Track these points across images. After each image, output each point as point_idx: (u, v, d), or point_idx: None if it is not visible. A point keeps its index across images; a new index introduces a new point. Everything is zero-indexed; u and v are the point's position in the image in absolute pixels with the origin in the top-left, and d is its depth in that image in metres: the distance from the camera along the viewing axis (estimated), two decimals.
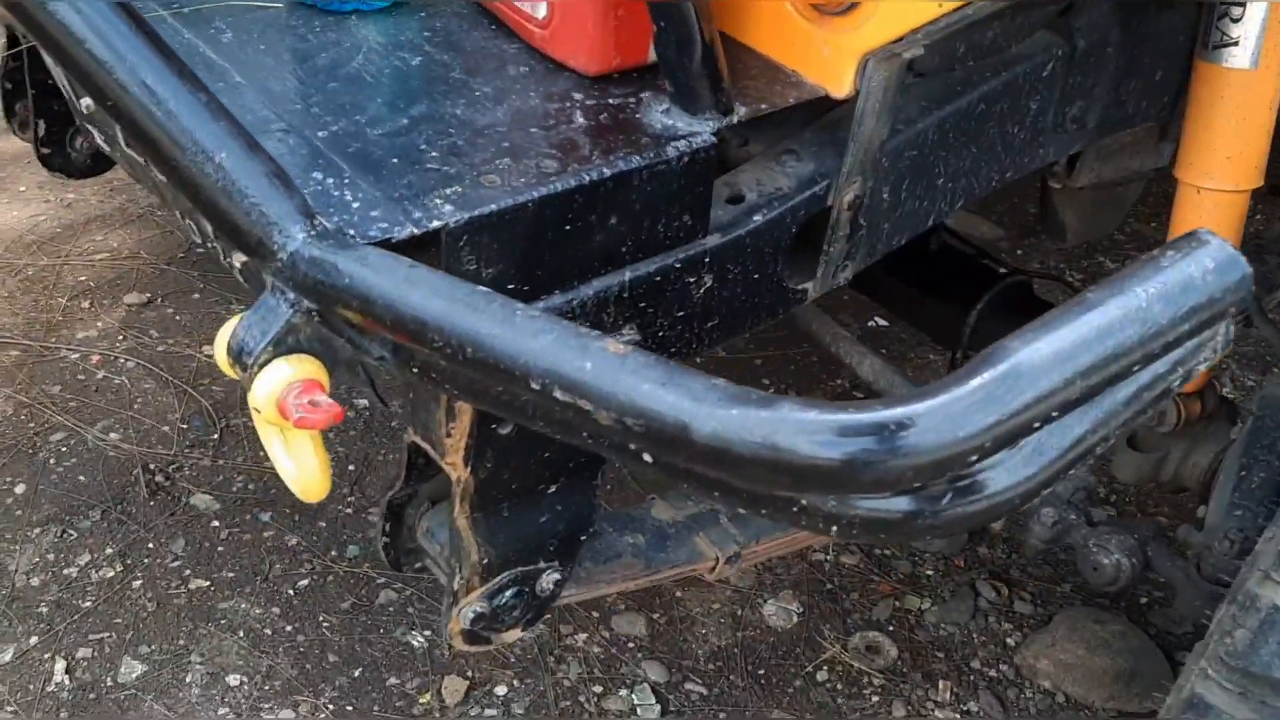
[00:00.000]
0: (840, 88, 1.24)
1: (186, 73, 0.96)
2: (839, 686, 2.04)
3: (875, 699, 2.03)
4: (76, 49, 0.94)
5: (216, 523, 2.25)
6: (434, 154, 1.12)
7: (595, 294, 1.16)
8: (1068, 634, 2.12)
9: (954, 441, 0.79)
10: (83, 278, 2.86)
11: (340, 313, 0.98)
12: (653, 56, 1.25)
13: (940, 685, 2.07)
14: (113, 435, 2.42)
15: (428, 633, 2.08)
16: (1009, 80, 1.40)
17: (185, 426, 2.46)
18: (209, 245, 1.23)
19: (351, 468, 2.40)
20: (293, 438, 1.04)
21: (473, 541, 1.22)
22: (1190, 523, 1.56)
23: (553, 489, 1.26)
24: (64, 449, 2.39)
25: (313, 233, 0.97)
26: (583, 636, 2.10)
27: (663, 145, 1.15)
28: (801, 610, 2.17)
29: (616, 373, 0.83)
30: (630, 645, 2.08)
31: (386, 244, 1.01)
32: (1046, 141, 1.51)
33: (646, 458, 0.85)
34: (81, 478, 2.33)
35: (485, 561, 1.23)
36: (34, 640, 2.01)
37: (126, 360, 2.62)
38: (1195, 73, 1.44)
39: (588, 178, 1.10)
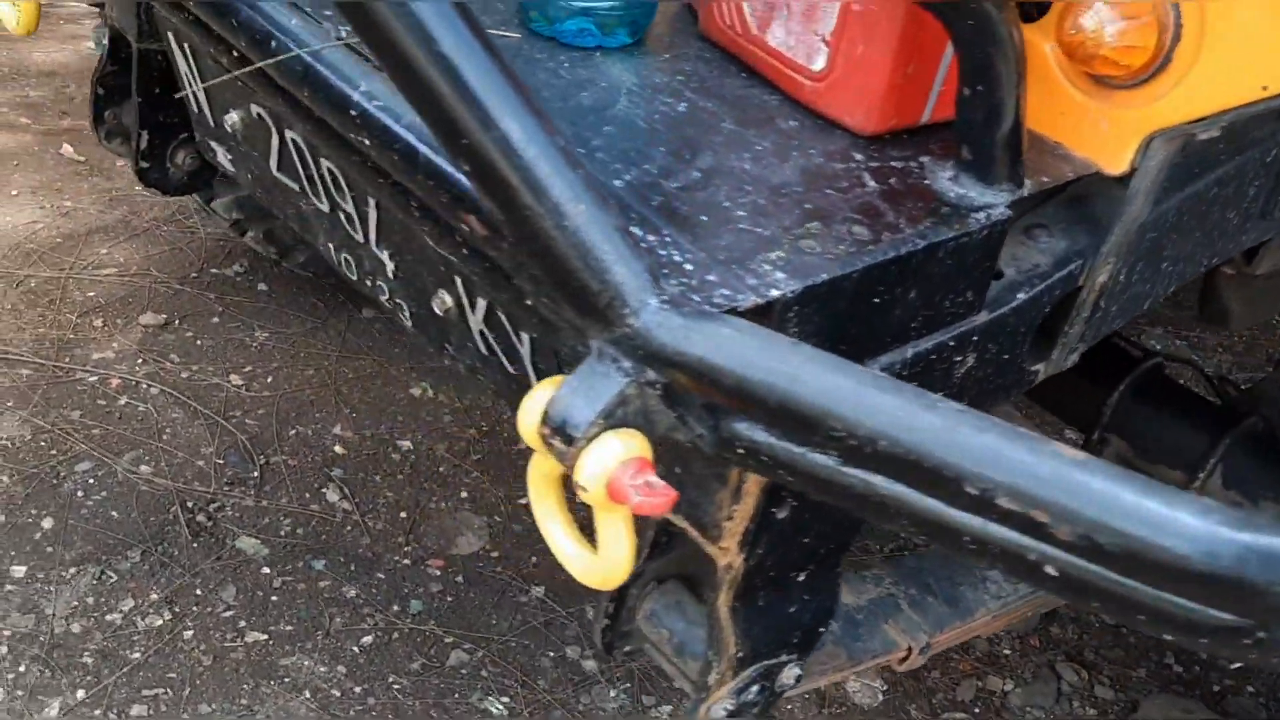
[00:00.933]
0: (1116, 165, 1.19)
1: (543, 113, 0.85)
2: None
3: None
4: (437, 79, 0.82)
5: (267, 569, 2.10)
6: (740, 213, 1.02)
7: (881, 369, 1.08)
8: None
9: None
10: (91, 293, 2.67)
11: (691, 387, 0.87)
12: (926, 118, 1.18)
13: None
14: (144, 468, 2.25)
15: (505, 699, 1.96)
16: (1241, 164, 1.36)
17: (221, 462, 2.29)
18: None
19: (404, 514, 2.26)
20: (607, 520, 0.94)
21: (731, 632, 1.12)
22: None
23: (803, 576, 1.17)
24: (92, 480, 2.21)
25: (664, 299, 0.87)
26: (666, 710, 2.00)
27: (964, 217, 1.08)
28: (886, 688, 2.10)
29: (1083, 480, 0.75)
30: None
31: (732, 313, 0.92)
32: (1250, 228, 1.47)
33: (1100, 578, 0.76)
34: (114, 513, 2.15)
35: (740, 654, 1.14)
36: (81, 694, 1.84)
37: (149, 386, 2.44)
38: None
39: (904, 249, 1.02)
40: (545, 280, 0.88)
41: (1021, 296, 1.18)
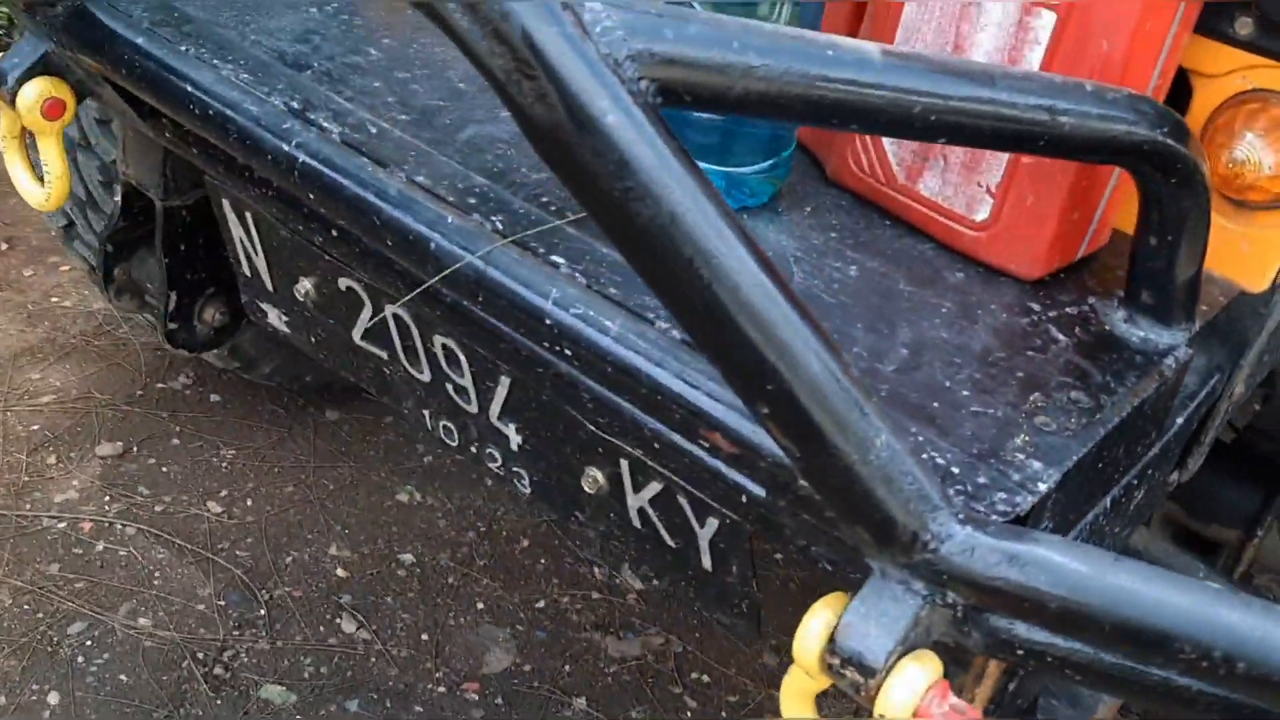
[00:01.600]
0: (1259, 284, 1.21)
1: (833, 341, 0.81)
2: None
3: None
4: (743, 327, 0.77)
5: (300, 718, 1.98)
6: (965, 392, 1.00)
7: (1087, 524, 1.07)
8: None
9: None
10: (35, 426, 2.49)
11: (1000, 609, 0.84)
12: (1080, 254, 1.17)
13: None
14: (142, 620, 2.10)
15: None
16: None
17: (223, 604, 2.16)
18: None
19: (425, 637, 2.17)
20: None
21: None
22: None
23: None
24: (89, 642, 2.05)
25: (962, 519, 0.84)
26: None
27: (1157, 364, 1.07)
28: None
29: None
30: None
31: (1019, 520, 0.89)
32: None
33: None
34: (123, 677, 2.00)
35: None
36: None
37: (124, 526, 2.29)
38: None
39: (1125, 412, 1.01)
40: (840, 509, 0.84)
41: (1180, 420, 1.19)
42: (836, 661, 0.86)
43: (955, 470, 0.91)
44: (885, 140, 1.18)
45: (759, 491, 0.96)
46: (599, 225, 0.77)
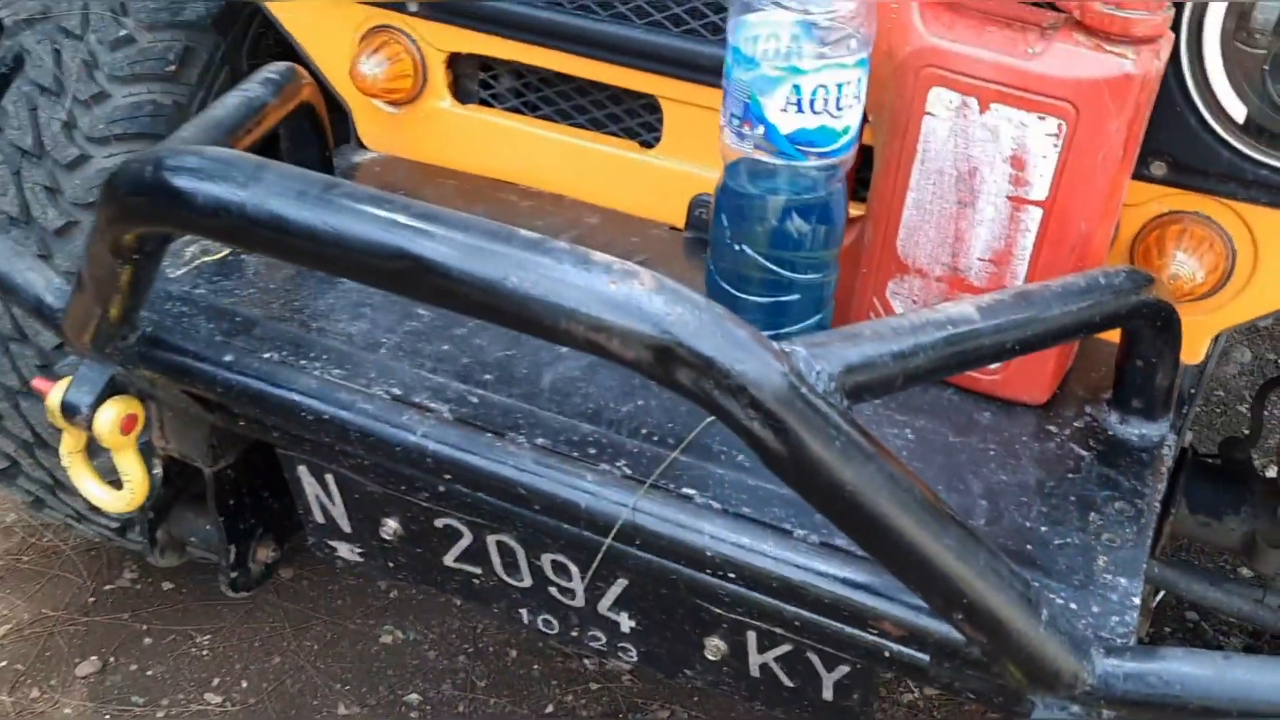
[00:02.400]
0: (1194, 358, 1.49)
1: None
2: None
3: None
4: (949, 568, 0.97)
5: None
6: (1043, 528, 1.23)
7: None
8: None
9: None
10: (2, 664, 2.47)
11: (1151, 716, 1.08)
12: (1065, 372, 1.43)
13: None
14: None
15: None
16: None
17: None
18: None
19: None
20: None
21: None
22: None
23: None
24: None
25: (1101, 650, 1.07)
26: None
27: (1157, 455, 1.34)
28: None
29: None
30: None
31: (1141, 641, 1.13)
32: None
33: None
34: None
35: None
36: None
37: None
38: None
39: (1153, 506, 1.27)
40: (1015, 670, 1.06)
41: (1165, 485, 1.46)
42: None
43: (1074, 605, 1.15)
44: (895, 302, 1.40)
45: (922, 657, 1.17)
46: (827, 514, 0.96)
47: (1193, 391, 1.53)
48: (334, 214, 0.92)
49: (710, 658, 1.40)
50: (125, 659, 2.49)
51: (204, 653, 2.52)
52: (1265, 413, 2.30)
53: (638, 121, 1.71)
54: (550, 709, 2.45)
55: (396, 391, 1.32)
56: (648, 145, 1.70)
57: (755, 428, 0.90)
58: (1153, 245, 1.42)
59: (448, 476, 1.27)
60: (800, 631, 1.25)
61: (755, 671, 1.40)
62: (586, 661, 2.56)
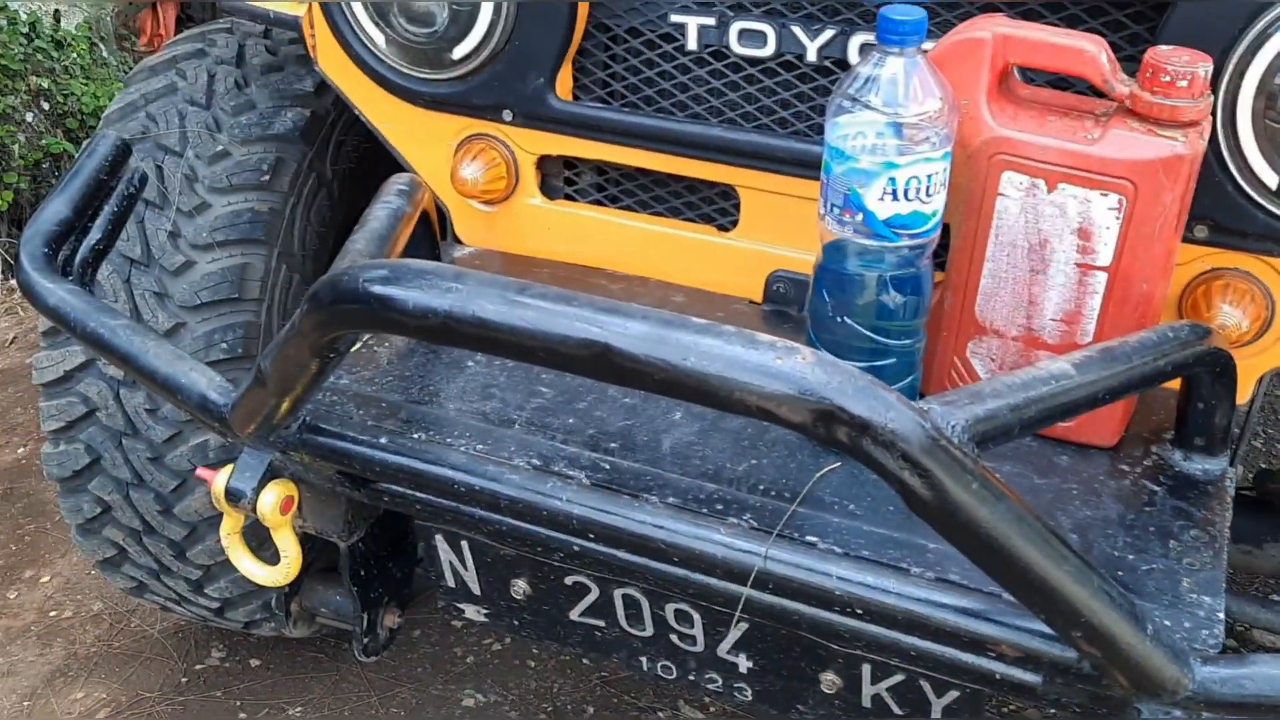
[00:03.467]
0: (1242, 398, 1.64)
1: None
2: None
3: None
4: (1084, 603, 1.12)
5: None
6: (1130, 556, 1.39)
7: None
8: None
9: None
10: None
11: (1244, 716, 1.22)
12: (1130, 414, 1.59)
13: None
14: None
15: None
16: None
17: None
18: None
19: None
20: None
21: None
22: None
23: None
24: None
25: (1200, 661, 1.22)
26: None
27: (1219, 485, 1.49)
28: None
29: None
30: None
31: (1227, 650, 1.28)
32: None
33: None
34: None
35: None
36: None
37: None
38: None
39: (1224, 530, 1.42)
40: (1125, 681, 1.20)
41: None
42: None
43: (1168, 622, 1.30)
44: (975, 361, 1.56)
45: (1032, 678, 1.32)
46: (963, 549, 1.11)
47: (1240, 429, 1.68)
48: (532, 311, 1.07)
49: (825, 691, 1.53)
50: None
51: None
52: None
53: (713, 208, 1.88)
54: None
55: (537, 462, 1.47)
56: (723, 229, 1.86)
57: (905, 476, 1.05)
58: (1200, 299, 1.59)
59: (591, 537, 1.41)
60: (915, 661, 1.39)
61: (867, 702, 1.54)
62: (660, 714, 2.69)
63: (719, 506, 1.41)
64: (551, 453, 1.49)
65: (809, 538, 1.38)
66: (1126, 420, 1.57)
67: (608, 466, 1.47)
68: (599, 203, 1.94)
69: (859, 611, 1.33)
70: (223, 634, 2.82)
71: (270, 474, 1.53)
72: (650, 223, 1.90)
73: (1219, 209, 1.52)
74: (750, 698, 1.63)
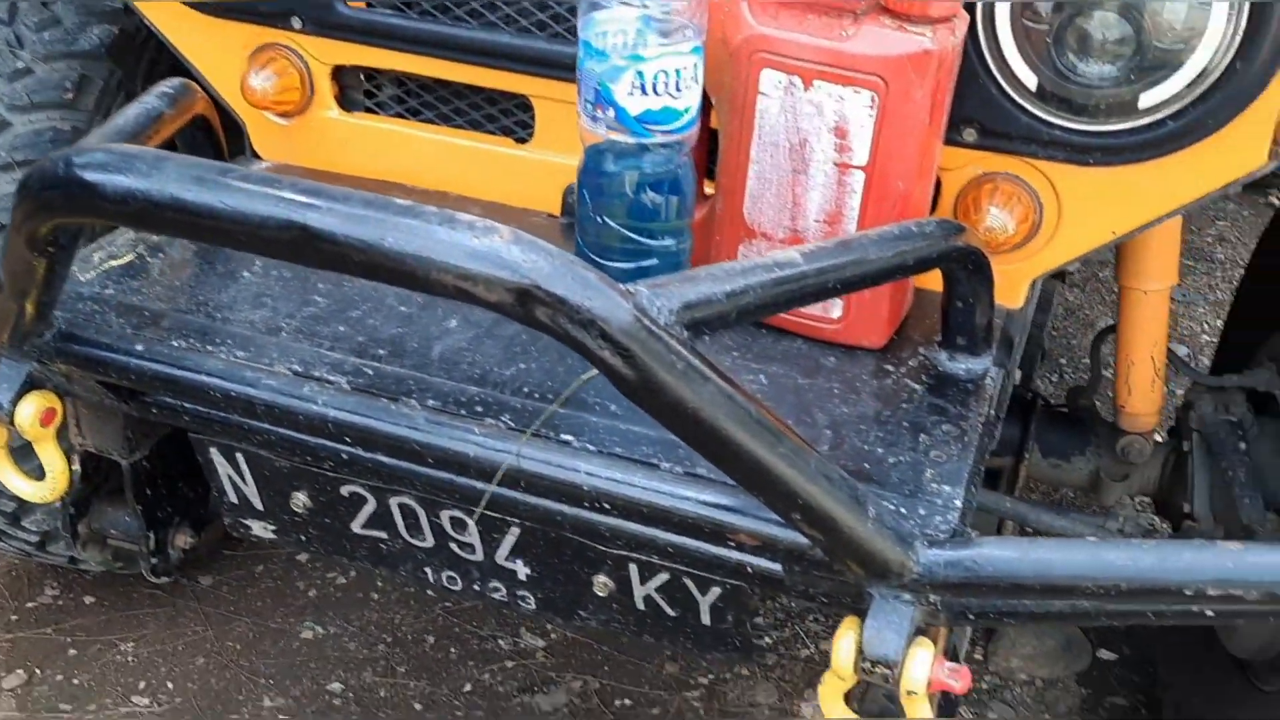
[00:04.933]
0: (1015, 302, 1.68)
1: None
2: None
3: None
4: (781, 473, 1.14)
5: None
6: (879, 450, 1.41)
7: (973, 503, 1.49)
8: (1016, 632, 2.68)
9: None
10: None
11: (965, 595, 1.25)
12: (902, 316, 1.61)
13: (962, 711, 2.55)
14: None
15: None
16: None
17: None
18: None
19: None
20: (919, 705, 1.29)
21: None
22: None
23: None
24: None
25: (925, 542, 1.24)
26: None
27: (982, 384, 1.52)
28: None
29: (1257, 560, 1.20)
30: None
31: (956, 531, 1.30)
32: None
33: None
34: None
35: None
36: None
37: None
38: None
39: (977, 427, 1.45)
40: (852, 564, 1.22)
41: (994, 413, 1.64)
42: (868, 664, 1.24)
43: (903, 510, 1.32)
44: None
45: (774, 567, 1.33)
46: (675, 431, 1.11)
47: (1018, 335, 1.71)
48: (229, 194, 1.05)
49: (599, 594, 1.54)
50: (51, 670, 2.56)
51: (129, 659, 2.60)
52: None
53: (513, 120, 1.86)
54: (468, 688, 2.58)
55: (297, 368, 1.45)
56: (522, 141, 1.85)
57: (607, 357, 1.05)
58: (970, 204, 1.61)
59: (348, 441, 1.40)
60: (673, 558, 1.41)
61: (641, 604, 1.55)
62: (501, 642, 2.69)
63: (479, 409, 1.41)
64: (315, 359, 1.47)
65: (564, 436, 1.38)
66: (895, 323, 1.59)
67: (371, 372, 1.46)
68: (400, 116, 1.91)
69: (607, 506, 1.34)
70: (58, 572, 2.77)
71: (29, 385, 1.49)
72: (451, 135, 1.88)
73: (983, 111, 1.54)
74: (534, 605, 1.63)
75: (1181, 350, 3.82)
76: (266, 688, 2.54)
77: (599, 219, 1.43)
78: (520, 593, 1.63)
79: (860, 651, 1.25)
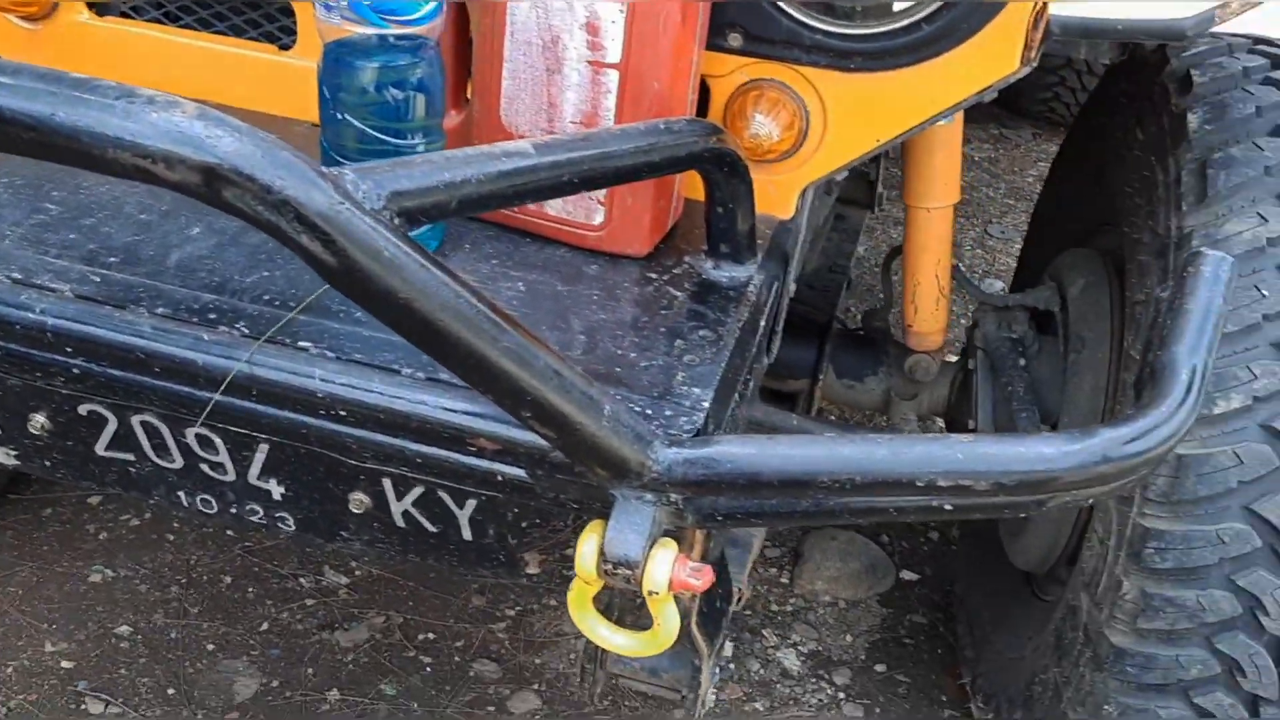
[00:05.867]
0: (786, 212, 1.67)
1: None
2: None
3: (731, 664, 2.49)
4: (507, 368, 1.10)
5: None
6: (633, 354, 1.38)
7: (731, 413, 1.48)
8: (821, 556, 2.72)
9: None
10: None
11: (705, 493, 1.24)
12: (670, 224, 1.59)
13: (765, 634, 2.57)
14: None
15: None
16: None
17: None
18: None
19: (171, 691, 2.33)
20: (662, 607, 1.28)
21: (703, 636, 1.50)
22: None
23: (718, 576, 1.57)
24: None
25: (665, 442, 1.22)
26: None
27: (744, 291, 1.51)
28: None
29: (984, 451, 1.21)
30: None
31: (699, 433, 1.28)
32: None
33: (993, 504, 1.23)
34: None
35: (709, 650, 1.53)
36: None
37: None
38: None
39: (735, 333, 1.44)
40: (588, 464, 1.20)
41: (763, 323, 1.63)
42: (610, 566, 1.22)
43: (649, 412, 1.29)
44: None
45: (519, 472, 1.30)
46: (390, 324, 1.06)
47: (791, 246, 1.70)
48: None
49: (357, 512, 1.49)
50: None
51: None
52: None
53: (277, 25, 1.77)
54: (265, 627, 2.51)
55: (16, 275, 1.36)
56: (286, 48, 1.76)
57: (304, 241, 0.99)
58: (737, 112, 1.59)
59: (71, 353, 1.32)
60: (423, 469, 1.36)
61: (400, 521, 1.50)
62: (303, 580, 2.62)
63: (212, 316, 1.34)
64: (38, 266, 1.38)
65: (302, 343, 1.32)
66: (660, 231, 1.56)
67: (98, 279, 1.37)
68: (157, 21, 1.81)
69: (344, 414, 1.29)
70: None
71: None
72: (211, 42, 1.78)
73: (746, 15, 1.51)
74: (294, 526, 1.57)
75: (996, 285, 3.91)
76: (49, 633, 2.43)
77: (339, 117, 1.37)
78: (278, 514, 1.56)
79: (602, 553, 1.23)
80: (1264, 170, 1.69)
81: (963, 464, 1.21)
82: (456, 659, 2.48)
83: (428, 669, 2.45)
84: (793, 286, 1.74)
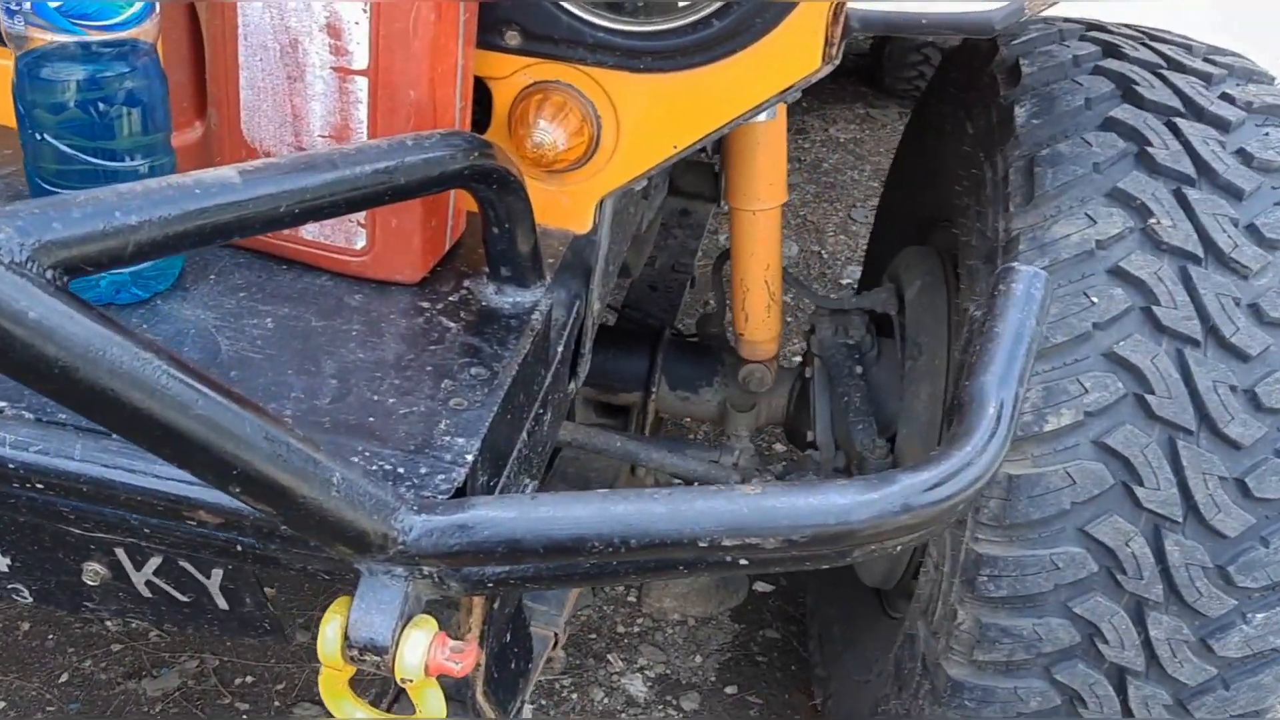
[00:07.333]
0: (583, 226, 1.52)
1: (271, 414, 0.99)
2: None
3: (574, 694, 2.35)
4: (201, 435, 0.93)
5: None
6: (391, 400, 1.22)
7: (515, 459, 1.34)
8: None
9: None
10: None
11: (461, 564, 1.08)
12: (446, 247, 1.43)
13: (611, 659, 2.44)
14: None
15: None
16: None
17: None
18: None
19: None
20: (422, 693, 1.13)
21: (489, 706, 1.35)
22: None
23: (510, 638, 1.42)
24: None
25: (414, 508, 1.07)
26: None
27: (527, 320, 1.36)
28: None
29: (771, 504, 1.08)
30: None
31: (460, 491, 1.13)
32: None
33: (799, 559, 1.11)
34: None
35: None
36: None
37: None
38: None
39: (514, 370, 1.28)
40: (321, 538, 1.04)
41: (560, 349, 1.49)
42: (355, 652, 1.07)
43: (401, 470, 1.14)
44: None
45: (251, 541, 1.13)
46: (52, 397, 0.89)
47: (593, 261, 1.55)
48: None
49: (93, 583, 1.31)
50: None
51: None
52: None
53: None
54: (65, 678, 2.30)
55: None
56: None
57: None
58: (519, 118, 1.43)
59: None
60: (153, 539, 1.19)
61: (146, 591, 1.33)
62: (110, 625, 2.42)
63: None
64: None
65: None
66: (436, 254, 1.40)
67: None
68: None
69: (40, 485, 1.11)
70: None
71: None
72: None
73: (522, 11, 1.36)
74: (30, 598, 1.39)
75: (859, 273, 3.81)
76: None
77: (38, 137, 1.18)
78: (11, 584, 1.38)
79: (346, 637, 1.07)
80: (1093, 167, 1.58)
81: (748, 520, 1.07)
82: (277, 703, 2.30)
83: (244, 717, 2.26)
84: (598, 304, 1.59)
